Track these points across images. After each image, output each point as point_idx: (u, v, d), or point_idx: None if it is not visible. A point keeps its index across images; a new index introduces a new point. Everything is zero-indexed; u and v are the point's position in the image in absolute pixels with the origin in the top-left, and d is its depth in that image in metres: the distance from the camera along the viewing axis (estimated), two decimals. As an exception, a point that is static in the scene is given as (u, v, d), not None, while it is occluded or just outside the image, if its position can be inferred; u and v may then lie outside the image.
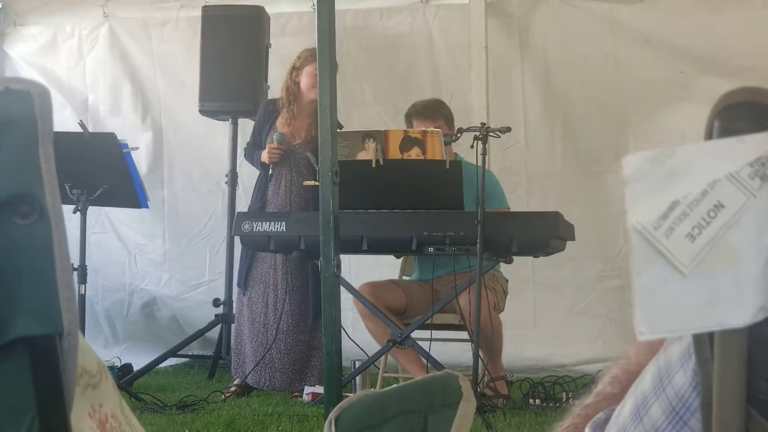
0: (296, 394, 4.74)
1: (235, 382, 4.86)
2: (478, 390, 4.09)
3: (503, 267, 4.61)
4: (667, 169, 0.65)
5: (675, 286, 0.63)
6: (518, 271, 5.15)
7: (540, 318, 5.56)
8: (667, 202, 0.64)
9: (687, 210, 0.64)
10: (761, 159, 0.63)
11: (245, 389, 4.83)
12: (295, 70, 4.88)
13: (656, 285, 0.63)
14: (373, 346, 4.56)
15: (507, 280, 4.76)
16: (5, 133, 0.66)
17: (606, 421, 0.88)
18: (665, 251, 0.64)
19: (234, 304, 5.22)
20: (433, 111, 4.73)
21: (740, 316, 0.62)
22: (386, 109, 5.74)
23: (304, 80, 4.84)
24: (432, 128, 4.46)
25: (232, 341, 5.05)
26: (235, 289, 5.16)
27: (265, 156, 4.79)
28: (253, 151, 4.95)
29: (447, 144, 4.39)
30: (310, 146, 4.77)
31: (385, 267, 5.07)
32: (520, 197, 5.49)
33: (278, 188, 4.84)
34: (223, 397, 4.68)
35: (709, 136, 0.67)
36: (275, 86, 5.65)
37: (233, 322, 5.18)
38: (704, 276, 0.63)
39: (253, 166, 5.03)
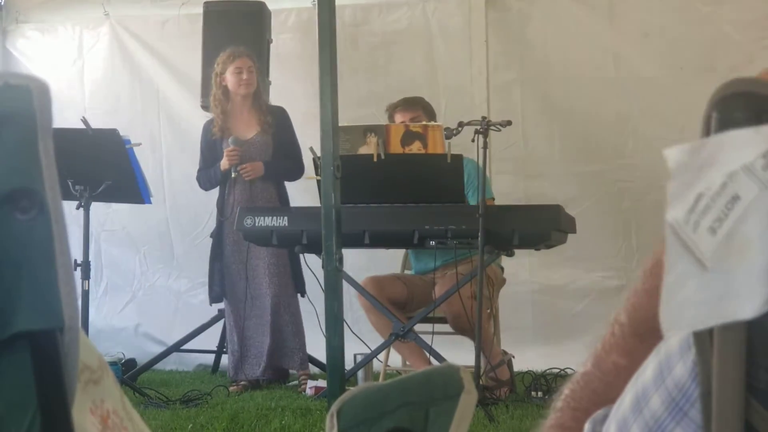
0: (302, 375, 4.78)
1: (242, 383, 4.89)
2: (481, 382, 4.09)
3: (503, 259, 4.60)
4: (700, 161, 0.64)
5: (695, 281, 0.62)
6: (517, 269, 5.15)
7: (538, 318, 5.54)
8: (694, 195, 0.63)
9: (710, 203, 0.63)
10: None
11: (253, 384, 4.86)
12: (219, 76, 4.94)
13: (682, 281, 0.63)
14: (375, 340, 4.57)
15: (503, 269, 4.75)
16: (4, 129, 0.66)
17: (606, 417, 0.88)
18: (693, 246, 0.63)
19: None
20: (412, 102, 4.80)
21: (749, 308, 0.62)
22: (382, 108, 5.71)
23: (230, 80, 4.91)
24: (432, 122, 4.48)
25: (229, 348, 5.03)
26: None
27: (224, 162, 4.82)
28: (208, 170, 4.97)
29: (447, 138, 4.40)
30: (267, 136, 4.88)
31: (388, 261, 5.08)
32: (518, 198, 5.46)
33: (244, 187, 4.87)
34: (231, 389, 4.71)
35: (706, 128, 0.66)
36: (276, 82, 5.65)
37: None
38: (721, 270, 0.62)
39: (210, 186, 5.04)
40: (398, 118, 4.72)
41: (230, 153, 4.78)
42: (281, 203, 4.90)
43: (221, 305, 5.42)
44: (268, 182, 4.90)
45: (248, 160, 4.83)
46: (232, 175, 4.82)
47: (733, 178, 0.62)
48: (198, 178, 5.07)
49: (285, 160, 4.93)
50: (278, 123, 4.97)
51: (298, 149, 4.99)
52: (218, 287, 4.96)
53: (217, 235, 5.00)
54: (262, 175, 4.85)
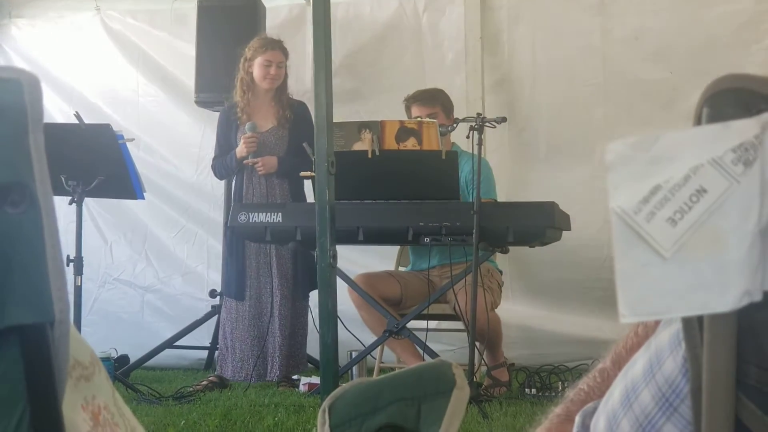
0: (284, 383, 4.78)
1: (210, 378, 4.79)
2: (475, 380, 4.09)
3: (499, 258, 4.60)
4: (650, 155, 0.65)
5: (656, 270, 0.63)
6: (514, 265, 5.14)
7: (535, 312, 5.54)
8: (649, 187, 0.64)
9: (668, 195, 0.64)
10: (744, 144, 0.63)
11: (220, 384, 4.78)
12: (247, 61, 4.88)
13: (637, 269, 0.63)
14: (369, 337, 4.57)
15: (501, 272, 4.76)
16: (-5, 122, 0.66)
17: (596, 410, 0.88)
18: (646, 235, 0.64)
19: (223, 311, 5.06)
20: (431, 97, 4.76)
21: (724, 300, 0.62)
22: (372, 104, 5.69)
23: (256, 71, 4.87)
24: (428, 118, 4.47)
25: (224, 344, 4.93)
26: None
27: (241, 149, 4.78)
28: (224, 158, 4.93)
29: (444, 134, 4.40)
30: (284, 130, 4.85)
31: (382, 258, 5.07)
32: (507, 198, 5.42)
33: (261, 181, 4.84)
34: (191, 388, 4.63)
35: (698, 122, 0.67)
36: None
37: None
38: (687, 260, 0.63)
39: (225, 174, 5.00)
40: (415, 111, 4.71)
41: (248, 140, 4.75)
42: (294, 200, 4.83)
43: (215, 301, 5.41)
44: (283, 178, 4.87)
45: (262, 153, 4.80)
46: (250, 163, 4.78)
47: (697, 172, 0.63)
48: (213, 167, 5.03)
49: (298, 157, 4.87)
50: (297, 119, 4.93)
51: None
52: (238, 284, 4.86)
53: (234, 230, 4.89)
54: (275, 170, 4.82)
